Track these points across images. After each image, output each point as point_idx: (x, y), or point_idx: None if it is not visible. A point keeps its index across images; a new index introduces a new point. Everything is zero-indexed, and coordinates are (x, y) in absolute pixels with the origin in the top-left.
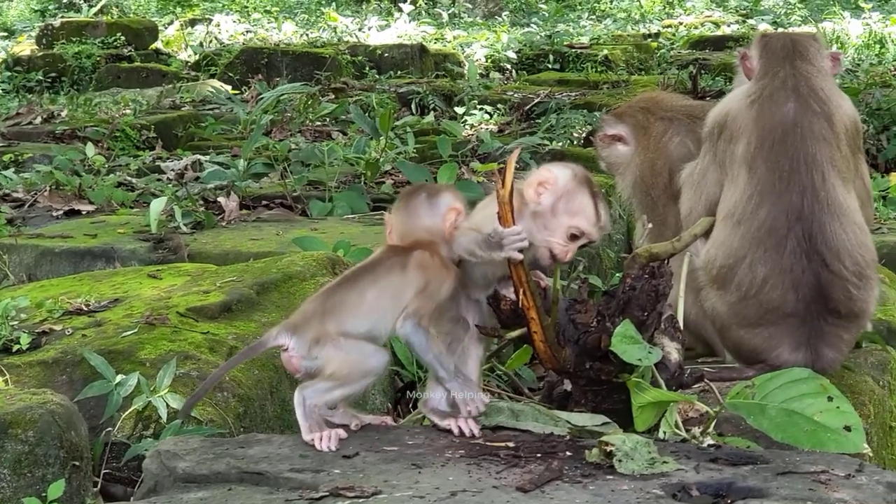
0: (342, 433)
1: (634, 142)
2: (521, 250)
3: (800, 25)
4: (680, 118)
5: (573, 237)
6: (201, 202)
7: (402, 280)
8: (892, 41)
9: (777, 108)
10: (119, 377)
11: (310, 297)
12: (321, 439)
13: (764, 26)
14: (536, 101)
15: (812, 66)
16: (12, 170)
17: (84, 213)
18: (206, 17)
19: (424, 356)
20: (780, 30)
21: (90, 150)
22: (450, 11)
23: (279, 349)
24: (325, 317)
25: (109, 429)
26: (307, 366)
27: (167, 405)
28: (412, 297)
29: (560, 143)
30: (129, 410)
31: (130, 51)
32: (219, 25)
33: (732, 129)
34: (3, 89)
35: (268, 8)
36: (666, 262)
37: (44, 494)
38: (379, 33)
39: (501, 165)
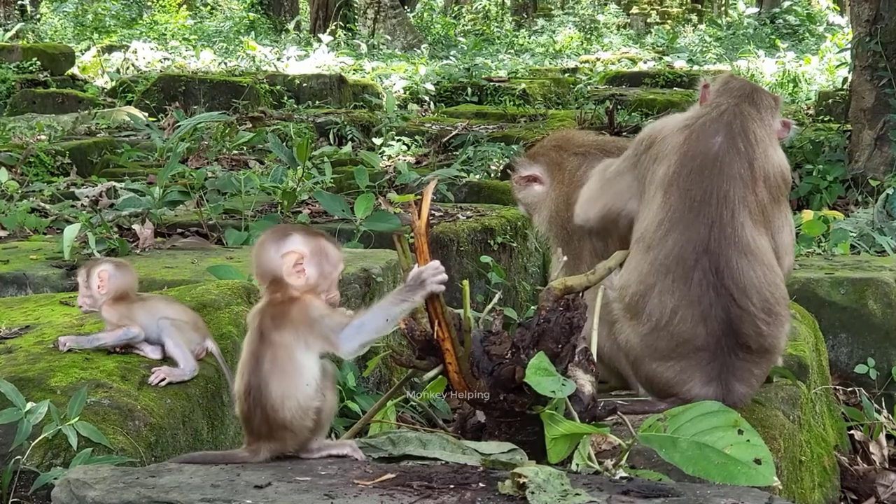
0: None
1: (549, 179)
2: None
3: (715, 64)
4: (593, 152)
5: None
6: (116, 229)
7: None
8: (806, 80)
9: (705, 138)
10: (29, 405)
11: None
12: None
13: (680, 63)
14: (454, 133)
15: (757, 113)
16: None
17: None
18: (124, 43)
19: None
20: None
21: (3, 175)
22: (369, 43)
23: None
24: None
25: (19, 457)
26: None
27: (77, 433)
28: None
29: (477, 176)
30: (39, 438)
31: (46, 76)
32: (136, 52)
33: (660, 148)
34: None
35: (186, 36)
36: (580, 294)
37: None
38: (297, 63)
39: (418, 197)
